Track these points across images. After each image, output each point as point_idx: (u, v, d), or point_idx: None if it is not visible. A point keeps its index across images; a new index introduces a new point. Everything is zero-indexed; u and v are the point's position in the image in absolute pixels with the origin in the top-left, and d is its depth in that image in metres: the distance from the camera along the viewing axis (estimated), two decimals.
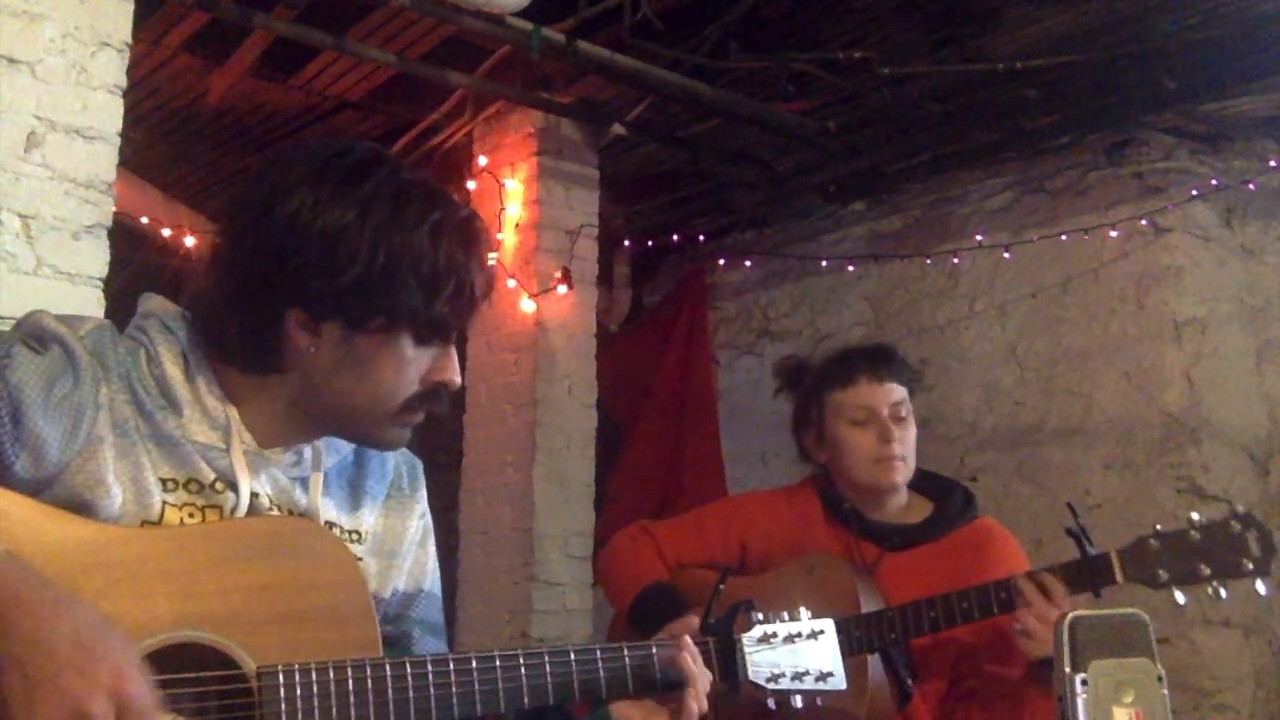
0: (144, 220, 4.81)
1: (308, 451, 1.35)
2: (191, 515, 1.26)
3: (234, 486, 1.28)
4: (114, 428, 1.23)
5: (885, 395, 2.29)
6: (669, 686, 1.37)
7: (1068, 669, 1.57)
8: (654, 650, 1.39)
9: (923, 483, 2.36)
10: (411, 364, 1.30)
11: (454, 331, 1.33)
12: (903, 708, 2.09)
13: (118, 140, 2.73)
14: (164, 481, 1.25)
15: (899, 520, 2.30)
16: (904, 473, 2.28)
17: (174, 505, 1.25)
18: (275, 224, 1.24)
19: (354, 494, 1.42)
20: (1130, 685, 1.58)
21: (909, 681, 2.07)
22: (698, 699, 1.36)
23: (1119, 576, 1.96)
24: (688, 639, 1.39)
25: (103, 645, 1.03)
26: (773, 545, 2.33)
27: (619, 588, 2.37)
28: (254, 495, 1.30)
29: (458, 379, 1.34)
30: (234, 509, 1.28)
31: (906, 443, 2.28)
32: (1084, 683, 1.56)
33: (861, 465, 2.29)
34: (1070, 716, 1.55)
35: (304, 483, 1.35)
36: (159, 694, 1.07)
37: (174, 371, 1.29)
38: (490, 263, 1.34)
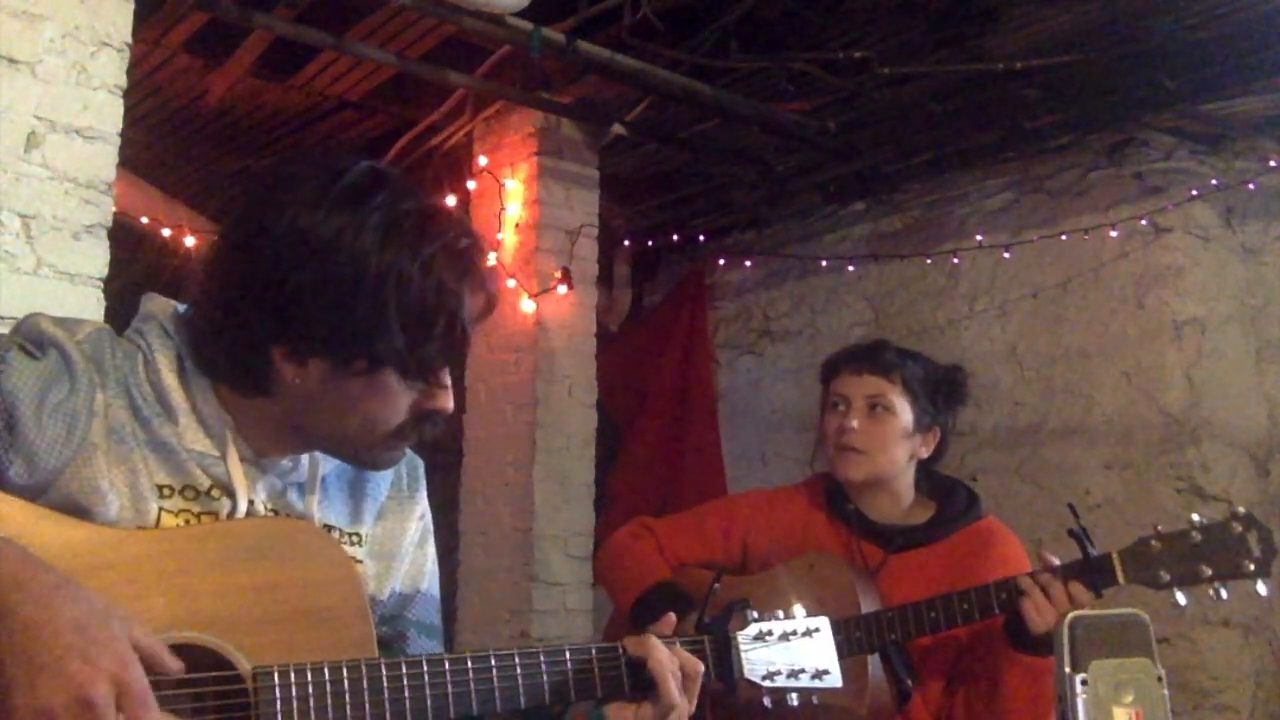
0: (144, 220, 4.81)
1: (304, 459, 1.35)
2: (188, 522, 1.26)
3: (231, 494, 1.28)
4: (110, 434, 1.23)
5: (860, 386, 2.29)
6: None
7: (1068, 669, 1.58)
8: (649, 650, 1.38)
9: (926, 483, 2.36)
10: (400, 396, 1.28)
11: (443, 369, 1.30)
12: (902, 708, 2.09)
13: (118, 140, 2.72)
14: (160, 488, 1.25)
15: (901, 521, 2.29)
16: (864, 468, 2.26)
17: (170, 512, 1.25)
18: (264, 248, 1.22)
19: (354, 496, 1.41)
20: (1130, 685, 1.58)
21: (908, 682, 2.06)
22: (684, 690, 1.33)
23: (1120, 577, 1.96)
24: (651, 637, 1.37)
25: (105, 630, 1.04)
26: (774, 544, 2.33)
27: (621, 586, 2.36)
28: (250, 502, 1.29)
29: (450, 406, 1.32)
30: (230, 515, 1.28)
31: (871, 436, 2.25)
32: (1084, 683, 1.56)
33: (829, 452, 2.32)
34: (1070, 716, 1.55)
35: (300, 488, 1.35)
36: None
37: (170, 379, 1.28)
38: (489, 286, 1.29)
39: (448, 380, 1.32)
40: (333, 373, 1.25)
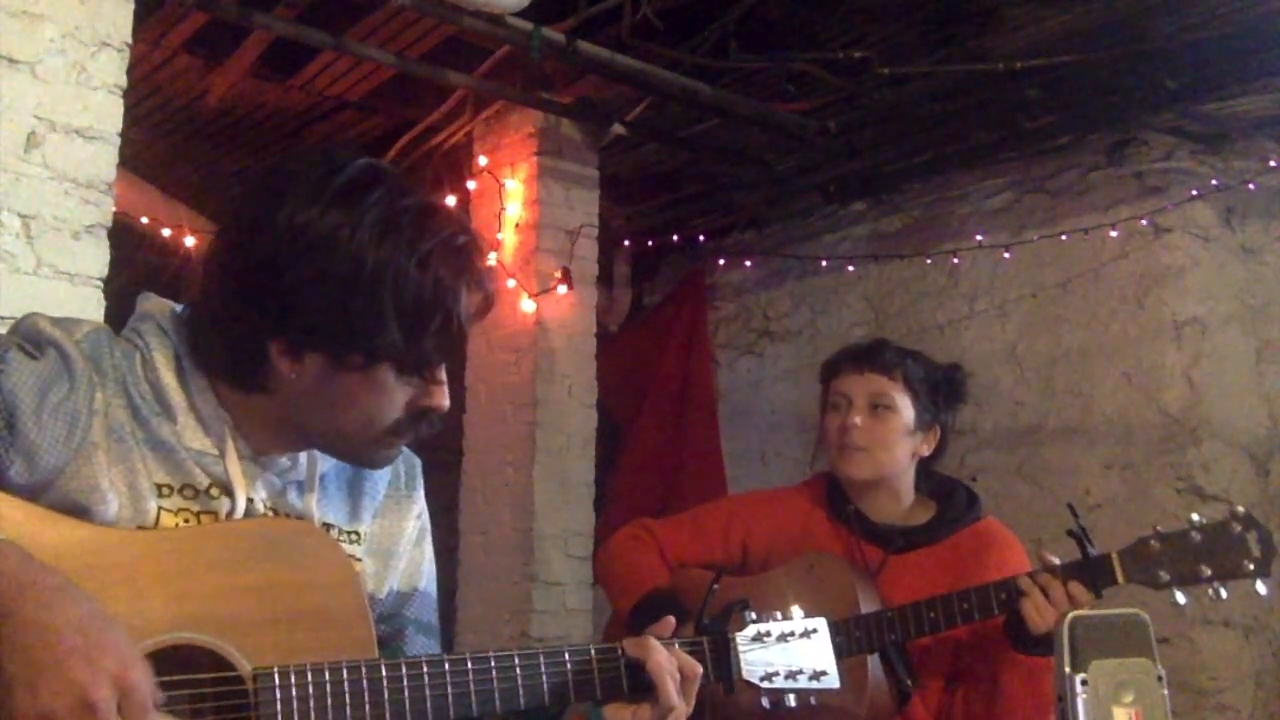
0: (144, 220, 4.82)
1: (303, 457, 1.35)
2: (187, 521, 1.26)
3: (229, 492, 1.28)
4: (109, 434, 1.23)
5: (862, 385, 2.28)
6: None
7: (1068, 669, 1.58)
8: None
9: (926, 483, 2.36)
10: (396, 392, 1.28)
11: (439, 365, 1.30)
12: (901, 708, 2.09)
13: (118, 140, 2.73)
14: (159, 487, 1.25)
15: (901, 521, 2.29)
16: (866, 466, 2.26)
17: (169, 511, 1.25)
18: (262, 243, 1.22)
19: (352, 495, 1.41)
20: (1130, 685, 1.58)
21: (908, 682, 2.06)
22: (682, 691, 1.33)
23: (1120, 577, 1.96)
24: (650, 639, 1.37)
25: (107, 633, 1.04)
26: (774, 545, 2.33)
27: (620, 588, 2.36)
28: (249, 501, 1.29)
29: (446, 404, 1.31)
30: (229, 514, 1.28)
31: (874, 434, 2.25)
32: (1084, 683, 1.56)
33: (831, 451, 2.31)
34: (1070, 716, 1.55)
35: (299, 487, 1.35)
36: (160, 694, 1.07)
37: (169, 378, 1.28)
38: (487, 283, 1.29)
39: (444, 377, 1.32)
40: (329, 368, 1.25)
